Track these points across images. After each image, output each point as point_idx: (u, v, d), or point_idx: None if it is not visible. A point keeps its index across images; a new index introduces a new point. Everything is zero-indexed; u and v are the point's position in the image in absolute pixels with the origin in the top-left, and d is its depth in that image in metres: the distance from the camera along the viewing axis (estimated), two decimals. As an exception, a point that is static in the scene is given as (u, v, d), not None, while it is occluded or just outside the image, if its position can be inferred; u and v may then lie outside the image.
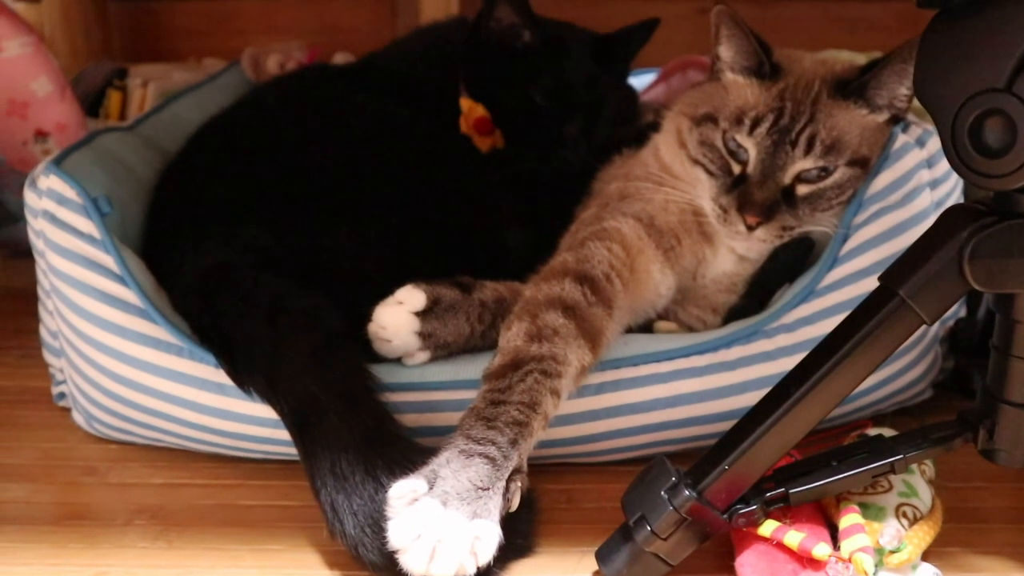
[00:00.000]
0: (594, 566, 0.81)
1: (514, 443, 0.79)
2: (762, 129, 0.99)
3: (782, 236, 1.00)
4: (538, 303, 0.91)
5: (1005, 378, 0.77)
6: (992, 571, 0.84)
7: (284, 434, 0.88)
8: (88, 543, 0.89)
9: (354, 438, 0.82)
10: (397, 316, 0.94)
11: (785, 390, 0.76)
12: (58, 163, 1.04)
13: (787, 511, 0.82)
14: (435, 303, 0.94)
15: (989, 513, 0.92)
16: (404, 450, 0.83)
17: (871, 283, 0.81)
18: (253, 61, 1.72)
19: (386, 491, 0.76)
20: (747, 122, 0.99)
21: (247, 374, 0.92)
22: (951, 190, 1.03)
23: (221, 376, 0.94)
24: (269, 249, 1.00)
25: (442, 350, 0.96)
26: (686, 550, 0.78)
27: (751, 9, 1.24)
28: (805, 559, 0.78)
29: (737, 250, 1.05)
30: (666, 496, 0.76)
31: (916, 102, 0.78)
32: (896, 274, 0.74)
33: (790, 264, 1.04)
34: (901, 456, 0.79)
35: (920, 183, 0.99)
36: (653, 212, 1.05)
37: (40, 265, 1.05)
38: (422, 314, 0.94)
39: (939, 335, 1.06)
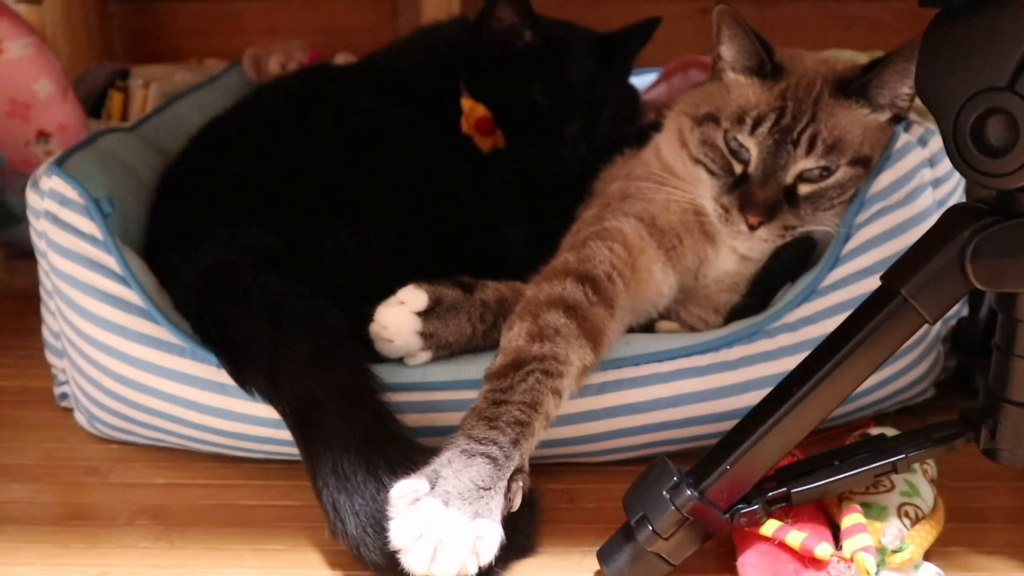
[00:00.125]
0: (595, 566, 0.80)
1: (516, 443, 0.79)
2: (764, 128, 0.99)
3: (784, 236, 1.00)
4: (540, 303, 0.91)
5: (1007, 377, 0.77)
6: (994, 571, 0.83)
7: (286, 434, 0.88)
8: (90, 543, 0.89)
9: (356, 438, 0.82)
10: (399, 316, 0.94)
11: (787, 389, 0.76)
12: (60, 164, 1.04)
13: (789, 511, 0.82)
14: (437, 303, 0.94)
15: (991, 513, 0.92)
16: (406, 450, 0.83)
17: (873, 282, 0.81)
18: (254, 62, 1.72)
19: (388, 491, 0.76)
20: (749, 122, 0.99)
21: (248, 374, 0.92)
22: (953, 189, 1.03)
23: (223, 376, 0.94)
24: (270, 249, 1.00)
25: (444, 350, 0.96)
26: (688, 550, 0.77)
27: (752, 8, 1.24)
28: (807, 559, 0.78)
29: (739, 250, 1.05)
30: (668, 496, 0.75)
31: (918, 101, 0.78)
32: (898, 273, 0.74)
33: (792, 263, 1.04)
34: (903, 455, 0.79)
35: (922, 182, 0.99)
36: (655, 212, 1.05)
37: (42, 266, 1.05)
38: (424, 314, 0.94)
39: (941, 334, 1.06)
